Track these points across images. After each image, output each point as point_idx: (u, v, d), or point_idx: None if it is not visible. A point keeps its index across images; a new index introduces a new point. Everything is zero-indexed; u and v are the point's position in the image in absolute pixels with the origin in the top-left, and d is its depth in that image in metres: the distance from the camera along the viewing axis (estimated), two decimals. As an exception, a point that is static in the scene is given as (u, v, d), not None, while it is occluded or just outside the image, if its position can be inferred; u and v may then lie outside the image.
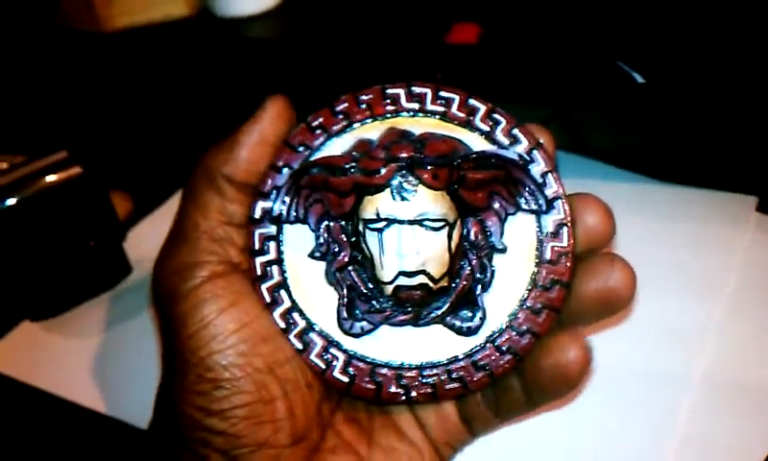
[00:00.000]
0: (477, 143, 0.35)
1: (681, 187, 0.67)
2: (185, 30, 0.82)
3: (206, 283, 0.34)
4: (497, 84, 0.66)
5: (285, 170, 0.35)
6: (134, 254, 0.67)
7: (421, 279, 0.34)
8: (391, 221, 0.34)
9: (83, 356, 0.59)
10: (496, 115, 0.35)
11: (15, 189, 0.57)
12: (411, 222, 0.34)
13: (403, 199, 0.33)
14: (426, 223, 0.34)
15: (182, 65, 0.86)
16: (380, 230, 0.34)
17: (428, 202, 0.33)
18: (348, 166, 0.34)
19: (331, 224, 0.35)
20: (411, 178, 0.33)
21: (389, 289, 0.34)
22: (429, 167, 0.33)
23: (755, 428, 0.46)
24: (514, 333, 0.35)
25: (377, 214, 0.34)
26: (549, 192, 0.35)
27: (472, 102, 0.35)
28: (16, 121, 0.83)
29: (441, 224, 0.34)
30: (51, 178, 0.59)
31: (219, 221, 0.35)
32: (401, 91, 0.35)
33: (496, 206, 0.35)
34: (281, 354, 0.35)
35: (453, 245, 0.34)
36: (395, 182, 0.33)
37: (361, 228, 0.34)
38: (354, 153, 0.35)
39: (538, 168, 0.35)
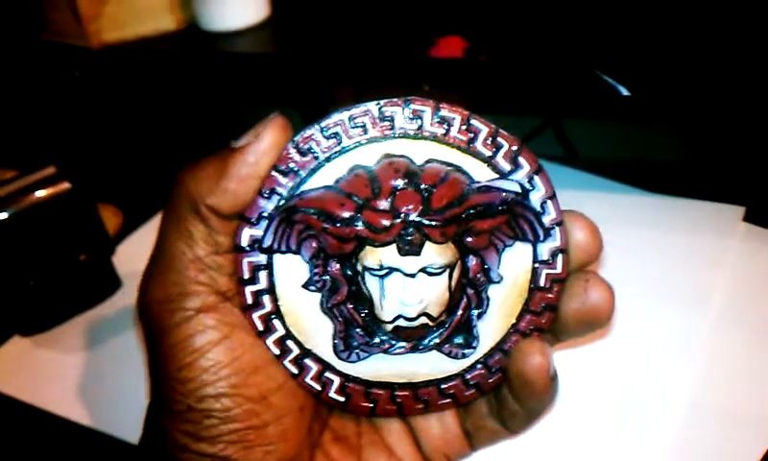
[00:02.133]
0: (478, 171, 0.33)
1: (668, 197, 0.68)
2: (173, 44, 0.82)
3: (197, 317, 0.33)
4: (485, 97, 0.66)
5: (273, 197, 0.33)
6: (124, 269, 0.67)
7: (422, 320, 0.34)
8: (394, 269, 0.33)
9: (73, 371, 0.58)
10: (499, 138, 0.33)
11: (4, 204, 0.57)
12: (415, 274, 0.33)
13: (408, 254, 0.32)
14: (429, 269, 0.33)
15: (171, 80, 0.86)
16: (382, 277, 0.33)
17: (433, 255, 0.32)
18: (350, 217, 0.32)
19: (328, 261, 0.33)
20: (418, 235, 0.32)
21: (388, 327, 0.34)
22: (437, 225, 0.32)
23: (744, 438, 0.47)
24: (503, 355, 0.35)
25: (380, 265, 0.32)
26: (547, 220, 0.34)
27: (474, 122, 0.33)
28: (4, 136, 0.83)
29: (443, 269, 0.33)
30: (40, 193, 0.59)
31: (205, 250, 0.33)
32: (398, 110, 0.33)
33: (496, 242, 0.34)
34: (273, 383, 0.34)
35: (453, 284, 0.34)
36: (401, 238, 0.32)
37: (360, 269, 0.33)
38: (355, 197, 0.32)
39: (538, 195, 0.34)
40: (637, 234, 0.64)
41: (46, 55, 0.86)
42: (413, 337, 0.34)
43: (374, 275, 0.33)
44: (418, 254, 0.32)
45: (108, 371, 0.58)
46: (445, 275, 0.33)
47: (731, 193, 0.66)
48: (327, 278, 0.34)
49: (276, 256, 0.33)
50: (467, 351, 0.35)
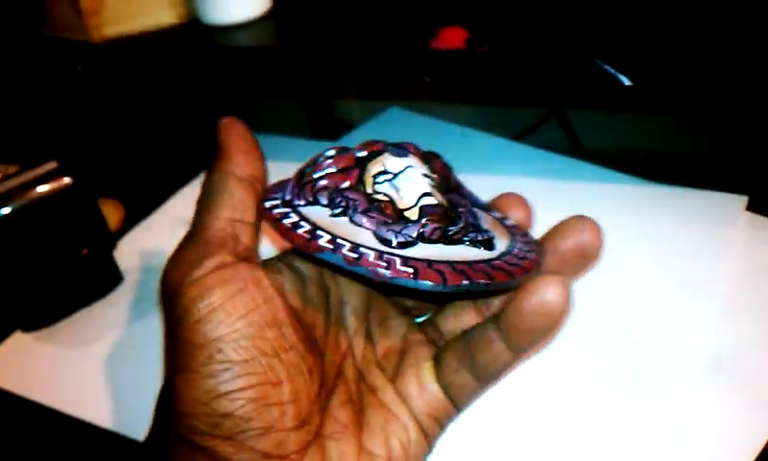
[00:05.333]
0: None
1: (671, 187, 0.67)
2: (174, 38, 0.82)
3: (214, 272, 0.35)
4: (487, 88, 0.66)
5: (287, 185, 0.39)
6: (125, 263, 0.67)
7: (438, 199, 0.39)
8: (396, 174, 0.39)
9: (74, 367, 0.58)
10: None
11: (5, 200, 0.57)
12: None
13: (400, 156, 0.39)
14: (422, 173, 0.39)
15: (172, 74, 0.86)
16: (390, 179, 0.38)
17: (417, 160, 0.40)
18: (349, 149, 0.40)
19: (344, 193, 0.38)
20: (400, 149, 0.40)
21: (414, 212, 0.38)
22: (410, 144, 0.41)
23: (747, 427, 0.47)
24: (516, 257, 0.38)
25: (384, 167, 0.39)
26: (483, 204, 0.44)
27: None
28: (5, 131, 0.83)
29: (431, 182, 0.39)
30: (41, 188, 0.59)
31: (227, 219, 0.37)
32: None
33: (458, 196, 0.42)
34: (285, 342, 0.36)
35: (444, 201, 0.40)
36: (389, 148, 0.40)
37: (370, 189, 0.38)
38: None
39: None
40: (640, 224, 0.63)
41: (47, 49, 0.86)
42: (439, 221, 0.38)
43: (384, 181, 0.39)
44: (406, 156, 0.40)
45: (109, 366, 0.58)
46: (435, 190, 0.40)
47: (733, 182, 0.66)
48: (348, 199, 0.38)
49: (299, 207, 0.38)
50: (489, 235, 0.39)
